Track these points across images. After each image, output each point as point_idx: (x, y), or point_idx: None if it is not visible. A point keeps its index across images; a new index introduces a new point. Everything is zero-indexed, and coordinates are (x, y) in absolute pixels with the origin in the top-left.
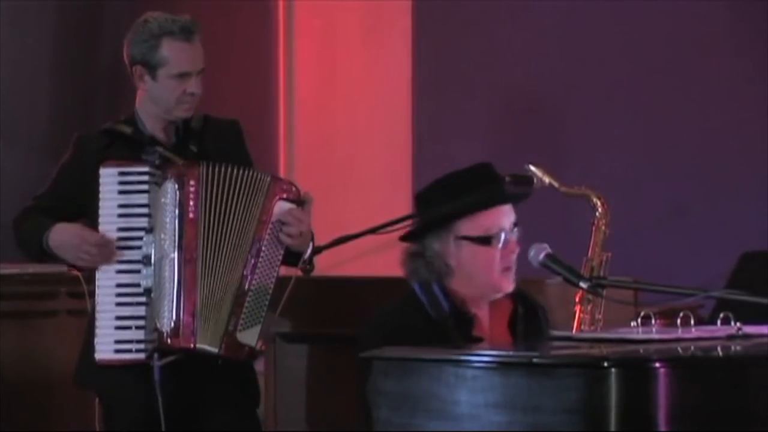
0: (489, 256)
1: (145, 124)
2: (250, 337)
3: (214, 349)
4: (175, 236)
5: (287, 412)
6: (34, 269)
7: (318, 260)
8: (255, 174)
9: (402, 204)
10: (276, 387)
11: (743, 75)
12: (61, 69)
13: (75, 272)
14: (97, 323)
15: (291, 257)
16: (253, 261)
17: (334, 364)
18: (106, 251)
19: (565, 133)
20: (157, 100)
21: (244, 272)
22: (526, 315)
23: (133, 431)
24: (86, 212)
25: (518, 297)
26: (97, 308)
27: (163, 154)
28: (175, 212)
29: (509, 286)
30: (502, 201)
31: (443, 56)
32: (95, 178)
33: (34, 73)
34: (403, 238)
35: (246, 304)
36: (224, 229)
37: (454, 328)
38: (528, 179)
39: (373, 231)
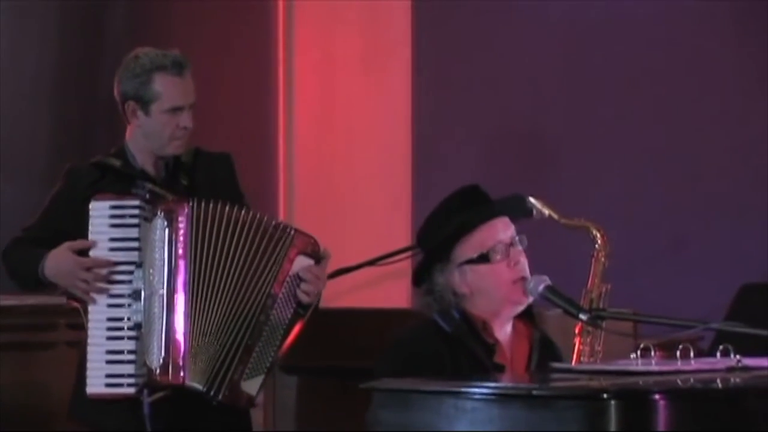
0: (495, 272)
1: (135, 158)
2: (252, 386)
3: (201, 387)
4: (164, 272)
5: None
6: (34, 301)
7: None
8: (276, 223)
9: (401, 235)
10: (274, 418)
11: (743, 108)
12: (61, 99)
13: (74, 304)
14: (89, 357)
15: (299, 309)
16: (266, 312)
17: (333, 396)
18: (102, 273)
19: (564, 165)
20: (151, 136)
21: (257, 321)
22: (542, 341)
23: None
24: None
25: (535, 324)
26: (89, 342)
27: (153, 189)
28: (164, 249)
29: (523, 297)
30: (488, 216)
31: (443, 86)
32: (85, 211)
33: (33, 103)
34: (414, 283)
35: (254, 353)
36: (221, 268)
37: (474, 343)
38: (520, 200)
39: (371, 263)
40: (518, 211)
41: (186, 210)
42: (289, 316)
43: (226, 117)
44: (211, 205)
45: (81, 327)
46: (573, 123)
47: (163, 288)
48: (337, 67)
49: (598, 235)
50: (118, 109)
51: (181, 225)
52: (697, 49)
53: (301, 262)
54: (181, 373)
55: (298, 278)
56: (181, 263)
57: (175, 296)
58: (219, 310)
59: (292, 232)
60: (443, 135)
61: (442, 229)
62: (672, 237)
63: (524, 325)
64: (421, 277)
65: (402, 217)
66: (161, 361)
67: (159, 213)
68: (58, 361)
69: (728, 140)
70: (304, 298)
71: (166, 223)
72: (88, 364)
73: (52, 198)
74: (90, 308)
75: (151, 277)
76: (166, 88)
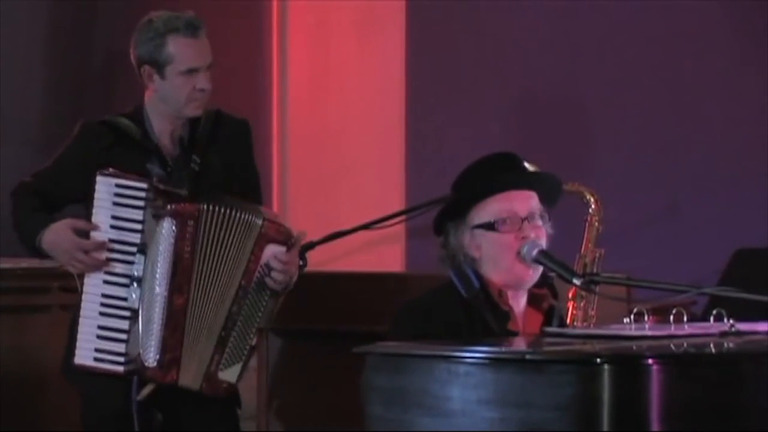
0: (501, 241)
1: (152, 123)
2: (230, 375)
3: (196, 387)
4: (168, 274)
5: (279, 405)
6: (28, 264)
7: (311, 256)
8: (247, 216)
9: (395, 200)
10: (268, 381)
11: (739, 73)
12: (55, 64)
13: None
14: (80, 329)
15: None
16: (239, 303)
17: (326, 359)
18: (99, 257)
19: (559, 130)
20: (168, 99)
21: (230, 313)
22: (560, 315)
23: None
24: (83, 201)
25: (555, 295)
26: (81, 314)
27: (166, 190)
28: (170, 250)
29: (527, 273)
30: (509, 186)
31: (437, 50)
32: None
33: (27, 68)
34: (435, 231)
35: (229, 344)
36: (215, 270)
37: (487, 309)
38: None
39: (366, 227)
40: (551, 192)
41: (196, 213)
42: (264, 303)
43: (219, 82)
44: (221, 209)
45: (74, 290)
46: (567, 87)
47: (166, 290)
48: (331, 33)
49: (592, 200)
50: (113, 72)
51: (189, 229)
52: (695, 13)
53: (272, 251)
54: (176, 373)
55: (268, 267)
56: (186, 267)
57: (177, 299)
58: (210, 310)
59: (260, 222)
60: (437, 100)
61: (463, 188)
62: (666, 202)
63: (541, 296)
64: (438, 228)
65: (396, 181)
66: (158, 357)
67: (168, 214)
68: (51, 324)
69: (724, 103)
70: (272, 285)
71: (173, 225)
72: (79, 335)
73: (66, 152)
74: (86, 281)
75: (156, 275)
76: (179, 49)
